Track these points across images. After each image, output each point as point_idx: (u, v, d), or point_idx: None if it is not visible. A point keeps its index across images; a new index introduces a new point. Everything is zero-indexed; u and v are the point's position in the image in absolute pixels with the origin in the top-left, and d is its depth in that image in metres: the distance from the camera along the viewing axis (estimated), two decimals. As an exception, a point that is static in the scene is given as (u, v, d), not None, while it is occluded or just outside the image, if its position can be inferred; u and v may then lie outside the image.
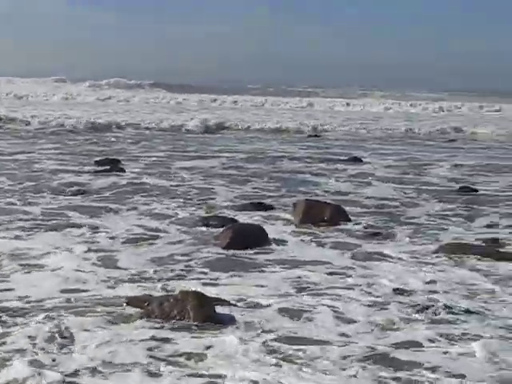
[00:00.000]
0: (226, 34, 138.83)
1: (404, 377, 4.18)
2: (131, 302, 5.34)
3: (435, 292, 5.85)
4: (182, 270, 6.45)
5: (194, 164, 14.09)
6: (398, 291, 5.84)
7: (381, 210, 9.67)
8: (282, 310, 5.33)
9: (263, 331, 4.87)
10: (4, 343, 4.55)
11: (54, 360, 4.30)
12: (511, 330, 4.98)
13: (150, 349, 4.54)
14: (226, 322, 5.02)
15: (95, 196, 10.17)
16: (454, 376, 4.18)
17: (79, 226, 8.06)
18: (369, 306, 5.50)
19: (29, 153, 15.07)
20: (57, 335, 4.70)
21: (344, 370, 4.25)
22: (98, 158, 13.82)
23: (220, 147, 17.74)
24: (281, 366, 4.29)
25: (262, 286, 5.97)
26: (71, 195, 10.10)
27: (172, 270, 6.41)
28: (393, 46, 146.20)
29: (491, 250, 7.22)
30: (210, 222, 8.37)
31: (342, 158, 15.83)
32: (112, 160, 13.57)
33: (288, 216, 8.86)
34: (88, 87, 52.12)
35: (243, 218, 8.70)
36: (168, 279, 6.10)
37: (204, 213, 9.06)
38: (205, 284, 5.99)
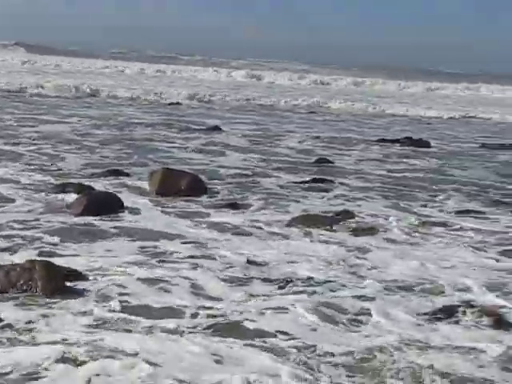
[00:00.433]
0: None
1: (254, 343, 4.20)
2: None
3: (291, 263, 5.90)
4: (30, 238, 6.17)
5: (43, 129, 13.59)
6: (253, 263, 5.83)
7: (235, 179, 9.69)
8: (138, 280, 5.22)
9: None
10: None
11: None
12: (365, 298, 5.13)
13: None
14: (78, 293, 4.86)
15: None
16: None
17: None
18: (224, 280, 5.44)
19: None
20: None
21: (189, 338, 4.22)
22: None
23: (71, 111, 17.24)
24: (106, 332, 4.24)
25: (114, 256, 5.83)
26: None
27: (21, 238, 6.13)
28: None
29: (343, 221, 7.38)
30: (65, 188, 8.09)
31: (199, 127, 15.79)
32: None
33: (145, 185, 8.69)
34: None
35: (98, 185, 8.46)
36: (14, 249, 5.82)
37: (54, 180, 8.73)
38: (53, 254, 5.76)
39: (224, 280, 5.40)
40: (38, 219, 6.83)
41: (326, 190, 9.31)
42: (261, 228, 7.10)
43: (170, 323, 4.47)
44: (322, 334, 4.45)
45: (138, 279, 5.26)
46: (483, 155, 14.26)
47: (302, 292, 5.20)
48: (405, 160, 12.76)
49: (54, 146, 11.60)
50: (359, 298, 5.14)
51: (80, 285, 5.04)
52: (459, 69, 61.67)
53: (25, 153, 10.67)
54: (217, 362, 3.96)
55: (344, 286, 5.40)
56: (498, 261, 6.37)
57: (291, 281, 5.42)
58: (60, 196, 7.84)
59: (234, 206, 8.01)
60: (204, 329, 4.42)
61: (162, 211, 7.60)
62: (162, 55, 59.80)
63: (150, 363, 3.85)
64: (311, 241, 6.70)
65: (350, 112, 24.29)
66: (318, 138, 15.26)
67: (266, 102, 25.82)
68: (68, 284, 4.98)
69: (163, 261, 5.80)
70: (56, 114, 16.61)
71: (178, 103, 22.67)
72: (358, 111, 25.00)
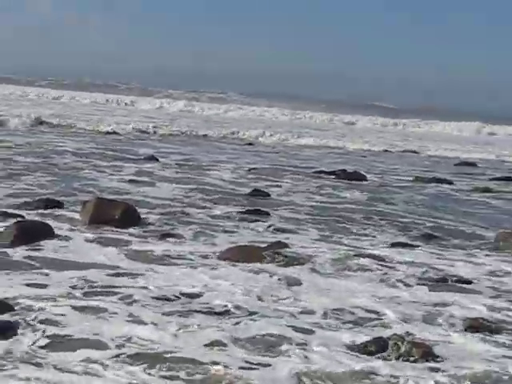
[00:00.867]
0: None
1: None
2: None
3: (220, 294, 5.95)
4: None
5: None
6: (186, 295, 5.85)
7: (166, 210, 9.68)
8: (63, 311, 5.18)
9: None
10: None
11: None
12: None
13: None
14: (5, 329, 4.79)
15: None
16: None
17: None
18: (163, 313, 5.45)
19: None
20: None
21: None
22: None
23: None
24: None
25: (43, 287, 5.79)
26: None
27: None
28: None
29: (277, 252, 7.45)
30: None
31: (133, 156, 15.76)
32: None
33: (76, 215, 8.62)
34: None
35: (30, 216, 8.38)
36: None
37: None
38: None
39: (154, 311, 5.41)
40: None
41: (259, 221, 9.39)
42: (191, 259, 7.13)
43: (95, 354, 4.45)
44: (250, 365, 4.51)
45: (67, 309, 5.23)
46: (414, 188, 14.55)
47: (228, 323, 5.25)
48: (337, 193, 12.89)
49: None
50: (282, 328, 5.21)
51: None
52: (395, 104, 62.90)
53: None
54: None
55: (267, 316, 5.47)
56: (425, 293, 6.52)
57: (220, 313, 5.46)
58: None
59: (166, 236, 8.02)
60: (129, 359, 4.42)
61: (93, 241, 7.56)
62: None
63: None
64: (241, 271, 6.76)
65: (284, 144, 24.49)
66: (253, 169, 15.34)
67: (202, 132, 25.83)
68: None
69: (91, 292, 5.77)
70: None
71: (114, 132, 22.55)
72: (293, 143, 25.21)
